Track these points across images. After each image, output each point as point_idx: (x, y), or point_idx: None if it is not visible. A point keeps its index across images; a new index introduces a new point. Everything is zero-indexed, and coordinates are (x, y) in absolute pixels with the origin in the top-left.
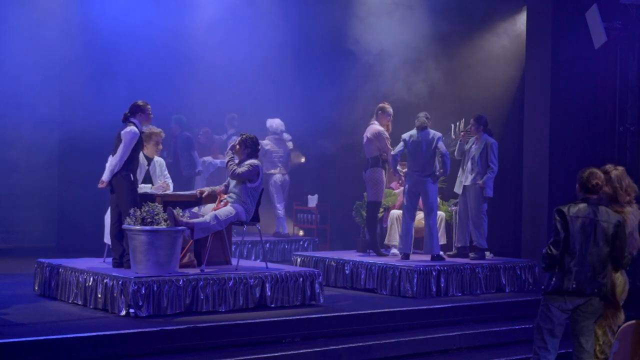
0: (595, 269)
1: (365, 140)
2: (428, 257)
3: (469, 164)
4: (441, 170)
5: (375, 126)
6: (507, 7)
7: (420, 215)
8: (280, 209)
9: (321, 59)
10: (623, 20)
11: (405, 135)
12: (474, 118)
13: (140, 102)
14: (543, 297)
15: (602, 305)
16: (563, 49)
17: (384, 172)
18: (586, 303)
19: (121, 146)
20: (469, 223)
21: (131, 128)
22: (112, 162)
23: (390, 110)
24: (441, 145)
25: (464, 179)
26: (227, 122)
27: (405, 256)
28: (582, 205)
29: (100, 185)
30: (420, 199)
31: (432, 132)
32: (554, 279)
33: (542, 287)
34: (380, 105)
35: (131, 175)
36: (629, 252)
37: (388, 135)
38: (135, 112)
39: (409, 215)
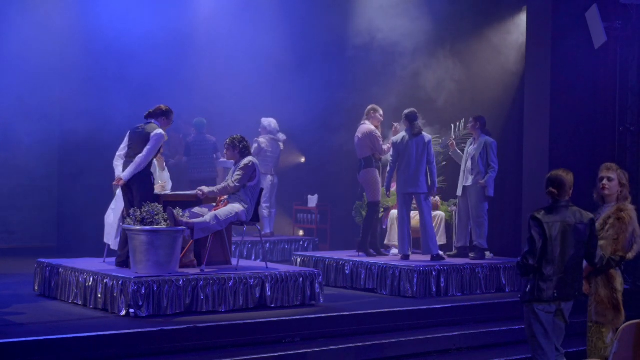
0: (574, 272)
1: (356, 140)
2: (428, 257)
3: (469, 164)
4: (431, 190)
5: (366, 126)
6: (507, 7)
7: (417, 215)
8: (264, 209)
9: (322, 60)
10: (623, 20)
11: (395, 138)
12: (473, 117)
13: (164, 107)
14: (525, 304)
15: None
16: (563, 49)
17: (377, 171)
18: (564, 308)
19: (148, 147)
20: (469, 223)
21: (160, 130)
22: (137, 161)
23: (381, 111)
24: (432, 153)
25: (464, 180)
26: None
27: (405, 257)
28: (554, 210)
29: (116, 183)
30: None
31: (424, 135)
32: (529, 286)
33: (520, 295)
34: (370, 106)
35: (152, 177)
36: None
37: (380, 134)
38: (159, 115)
39: (403, 218)
